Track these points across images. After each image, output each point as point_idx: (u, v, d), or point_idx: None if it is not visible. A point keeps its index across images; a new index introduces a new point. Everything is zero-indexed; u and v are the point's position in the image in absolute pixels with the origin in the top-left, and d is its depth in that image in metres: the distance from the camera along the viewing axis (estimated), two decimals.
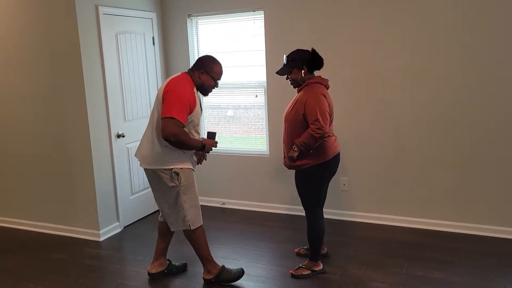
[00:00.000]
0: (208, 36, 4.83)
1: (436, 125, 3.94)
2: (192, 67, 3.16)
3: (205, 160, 3.36)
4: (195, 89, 3.07)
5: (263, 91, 4.62)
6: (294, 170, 3.27)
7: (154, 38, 4.78)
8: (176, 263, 3.52)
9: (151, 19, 4.74)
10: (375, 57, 4.05)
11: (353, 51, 4.12)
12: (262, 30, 4.48)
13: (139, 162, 3.23)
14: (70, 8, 3.85)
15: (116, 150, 4.33)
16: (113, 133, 4.27)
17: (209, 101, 4.96)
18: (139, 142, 4.52)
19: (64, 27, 3.93)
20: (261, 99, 4.66)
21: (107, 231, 4.25)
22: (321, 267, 3.35)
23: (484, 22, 3.63)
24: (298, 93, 3.23)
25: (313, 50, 3.15)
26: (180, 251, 3.77)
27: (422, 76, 3.91)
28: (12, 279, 3.48)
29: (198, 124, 3.11)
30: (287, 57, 3.18)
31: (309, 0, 4.19)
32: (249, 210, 4.82)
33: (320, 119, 2.96)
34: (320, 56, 3.15)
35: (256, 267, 3.50)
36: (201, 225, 3.19)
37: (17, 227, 4.61)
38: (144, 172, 3.23)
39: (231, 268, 3.33)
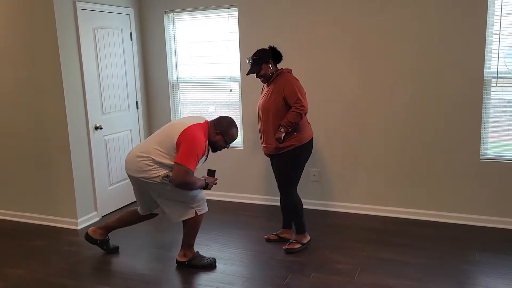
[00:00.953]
0: (185, 32, 4.98)
1: (399, 119, 4.16)
2: (212, 121, 3.34)
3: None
4: (207, 142, 3.27)
5: (237, 86, 4.79)
6: (271, 159, 3.60)
7: (132, 33, 4.91)
8: (111, 244, 3.75)
9: (129, 15, 4.86)
10: (342, 56, 4.26)
11: (324, 49, 4.32)
12: (236, 27, 4.65)
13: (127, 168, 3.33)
14: (48, 3, 3.96)
15: (94, 141, 4.46)
16: (91, 125, 4.40)
17: (191, 98, 5.11)
18: (116, 134, 4.73)
19: (41, 22, 4.04)
20: (236, 95, 4.84)
21: (85, 220, 4.38)
22: (308, 238, 3.68)
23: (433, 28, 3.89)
24: (268, 86, 3.47)
25: (271, 46, 3.49)
26: (162, 238, 3.93)
27: (383, 75, 4.14)
28: None
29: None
30: (253, 57, 3.47)
31: None
32: (225, 201, 5.00)
33: (301, 97, 3.34)
34: (279, 51, 3.50)
35: (227, 252, 3.69)
36: (203, 213, 3.39)
37: None
38: (127, 173, 3.37)
39: (205, 256, 3.50)
